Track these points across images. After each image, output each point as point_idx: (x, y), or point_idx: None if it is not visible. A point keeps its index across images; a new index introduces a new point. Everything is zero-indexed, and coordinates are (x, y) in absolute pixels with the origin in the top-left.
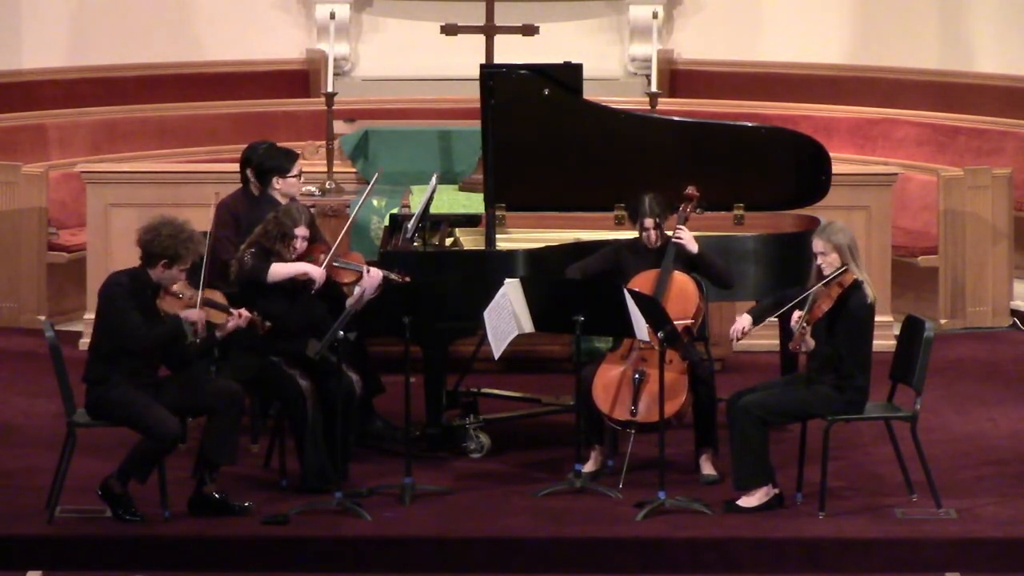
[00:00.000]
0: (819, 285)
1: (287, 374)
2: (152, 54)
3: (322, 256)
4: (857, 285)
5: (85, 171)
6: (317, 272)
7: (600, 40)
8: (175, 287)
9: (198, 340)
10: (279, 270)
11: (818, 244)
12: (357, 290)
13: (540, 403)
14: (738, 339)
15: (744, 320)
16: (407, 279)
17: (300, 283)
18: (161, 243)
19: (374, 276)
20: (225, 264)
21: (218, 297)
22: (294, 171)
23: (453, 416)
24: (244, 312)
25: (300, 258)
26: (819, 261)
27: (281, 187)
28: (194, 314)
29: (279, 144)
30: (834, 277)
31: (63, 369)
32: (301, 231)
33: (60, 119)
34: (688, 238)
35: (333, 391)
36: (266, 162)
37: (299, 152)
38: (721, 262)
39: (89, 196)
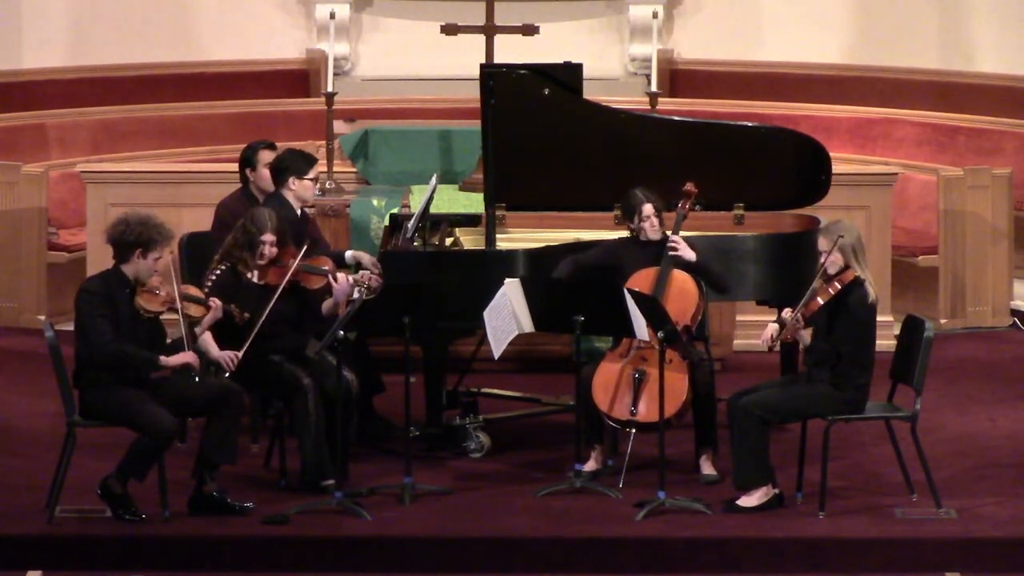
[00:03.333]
0: (818, 280)
1: (288, 370)
2: (152, 54)
3: (291, 260)
4: (858, 283)
5: (85, 171)
6: (226, 360)
7: (600, 40)
8: (152, 282)
9: (194, 377)
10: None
11: (822, 242)
12: (356, 292)
13: (540, 403)
14: (769, 348)
15: (771, 327)
16: (378, 279)
17: (266, 288)
18: (132, 231)
19: (341, 285)
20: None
21: (194, 291)
22: (311, 174)
23: (453, 416)
24: (218, 302)
25: (271, 263)
26: (823, 259)
27: (296, 188)
28: (175, 360)
29: (278, 143)
30: (832, 275)
31: (63, 369)
32: (267, 237)
33: (60, 119)
34: (683, 248)
35: (331, 390)
36: (284, 161)
37: (318, 159)
38: (718, 268)
39: (89, 196)
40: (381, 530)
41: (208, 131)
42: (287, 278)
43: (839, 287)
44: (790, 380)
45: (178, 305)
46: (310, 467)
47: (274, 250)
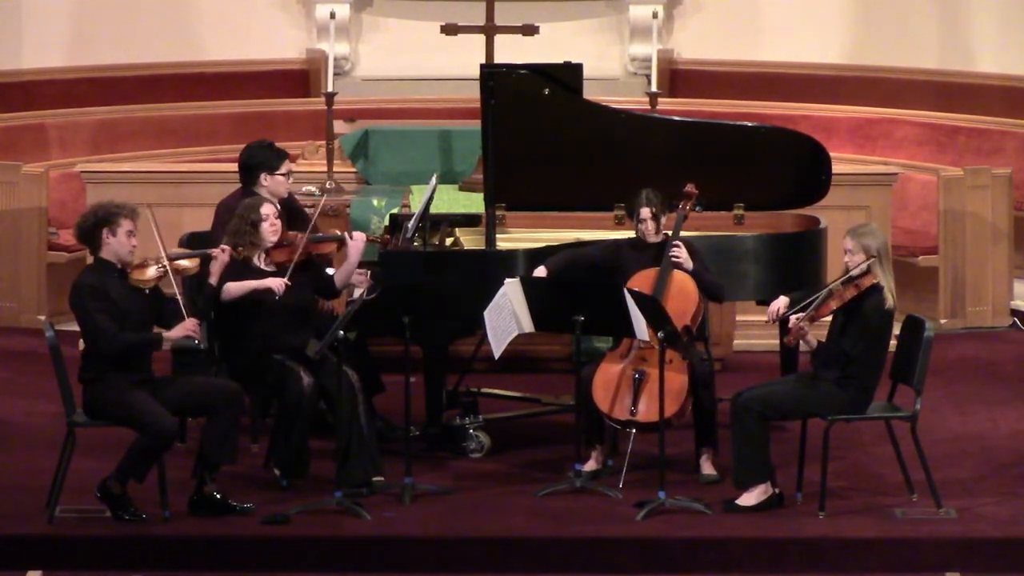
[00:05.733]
0: (836, 283)
1: (289, 369)
2: (152, 54)
3: (299, 236)
4: (876, 289)
5: (85, 171)
6: (276, 284)
7: (600, 40)
8: (138, 257)
9: (197, 344)
10: (233, 290)
11: (848, 242)
12: (357, 292)
13: (540, 403)
14: (774, 320)
15: (781, 300)
16: (386, 237)
17: (276, 270)
18: (90, 216)
19: (357, 239)
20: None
21: (181, 250)
22: (283, 169)
23: (453, 416)
24: (227, 248)
25: (278, 243)
26: (846, 259)
27: (269, 184)
28: (178, 332)
29: (278, 143)
30: (853, 278)
31: (63, 369)
32: (267, 209)
33: (60, 119)
34: (684, 256)
35: (333, 390)
36: (254, 157)
37: (289, 153)
38: (714, 278)
39: (89, 196)
40: (381, 530)
41: (208, 131)
42: (298, 252)
43: (856, 292)
44: (795, 378)
45: (166, 266)
46: (282, 460)
47: (277, 225)
